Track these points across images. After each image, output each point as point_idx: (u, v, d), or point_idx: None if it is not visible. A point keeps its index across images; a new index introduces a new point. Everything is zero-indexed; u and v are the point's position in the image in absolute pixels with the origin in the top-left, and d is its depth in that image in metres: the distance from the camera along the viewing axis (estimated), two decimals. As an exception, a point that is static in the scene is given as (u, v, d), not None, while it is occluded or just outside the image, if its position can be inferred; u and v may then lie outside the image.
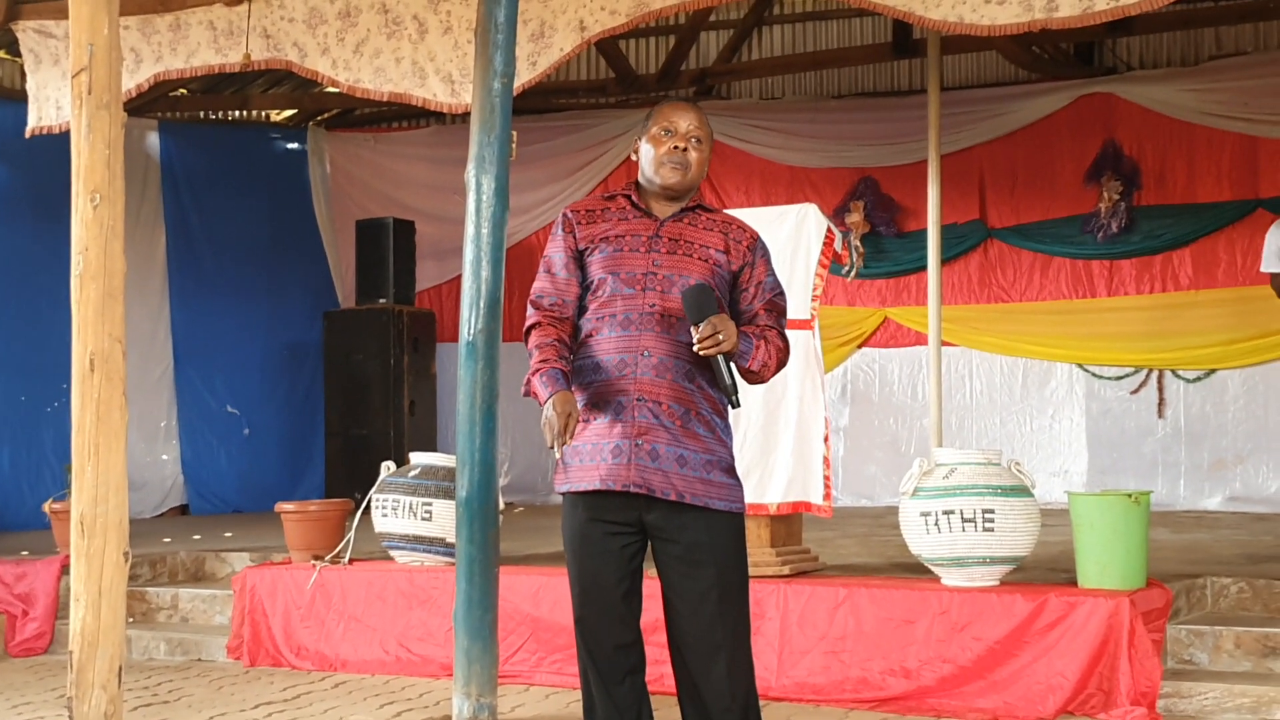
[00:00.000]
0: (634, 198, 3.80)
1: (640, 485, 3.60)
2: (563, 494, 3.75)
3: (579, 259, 3.76)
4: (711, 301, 3.58)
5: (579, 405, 3.66)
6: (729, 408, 3.70)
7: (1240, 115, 9.83)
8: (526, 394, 3.71)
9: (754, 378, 3.73)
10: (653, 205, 3.78)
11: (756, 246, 3.81)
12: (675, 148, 3.71)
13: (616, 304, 3.67)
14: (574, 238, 3.76)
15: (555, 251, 3.79)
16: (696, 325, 3.55)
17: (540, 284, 3.79)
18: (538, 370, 3.68)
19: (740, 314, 3.78)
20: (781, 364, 3.80)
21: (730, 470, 3.73)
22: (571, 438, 3.60)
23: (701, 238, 3.75)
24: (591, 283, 3.72)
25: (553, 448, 3.60)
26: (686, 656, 3.68)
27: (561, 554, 3.87)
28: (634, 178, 3.87)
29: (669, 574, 3.69)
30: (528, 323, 3.77)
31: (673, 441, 3.62)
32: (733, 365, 3.63)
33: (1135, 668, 5.05)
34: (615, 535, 3.67)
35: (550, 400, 3.59)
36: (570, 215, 3.80)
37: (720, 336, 3.53)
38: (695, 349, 3.55)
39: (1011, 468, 5.59)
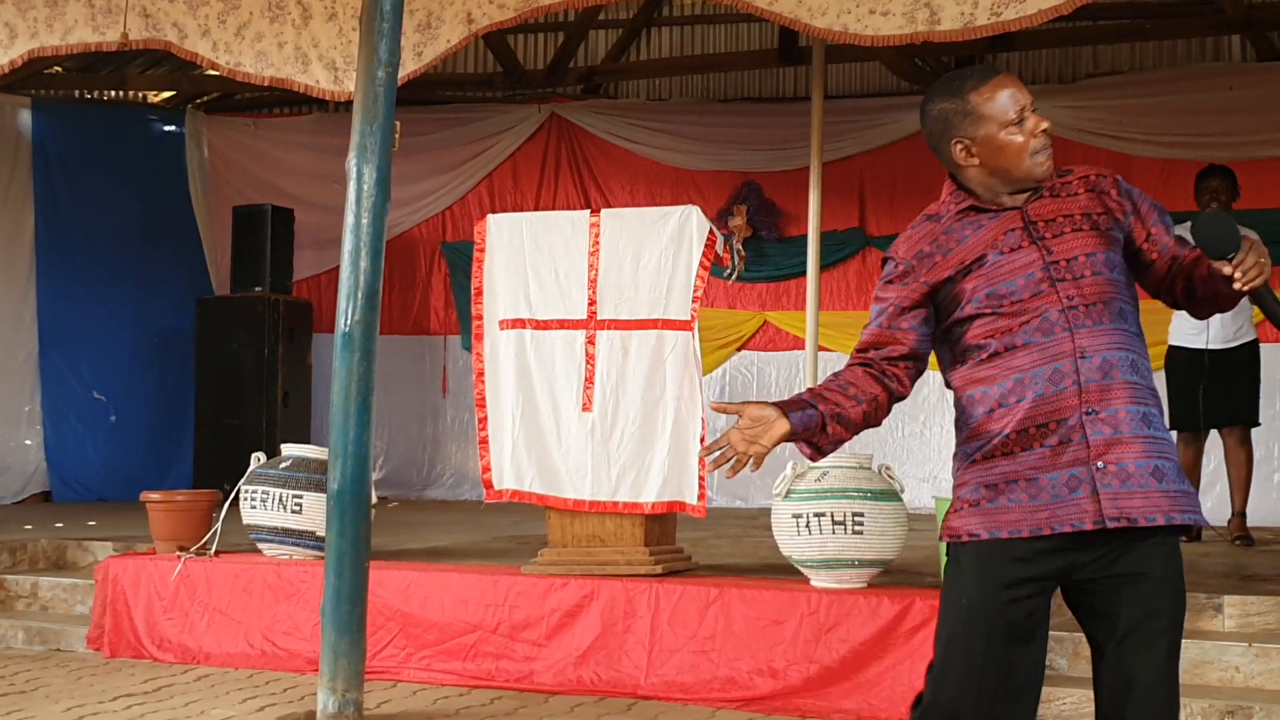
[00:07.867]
0: (974, 203, 3.18)
1: (1117, 518, 2.91)
2: (958, 541, 3.07)
3: (927, 302, 3.14)
4: (1231, 227, 2.89)
5: (1009, 429, 2.99)
6: None
7: (1114, 133, 10.05)
8: None
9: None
10: (1002, 199, 3.15)
11: (1119, 183, 3.14)
12: (1040, 130, 3.06)
13: (1020, 313, 3.00)
14: (918, 285, 3.12)
15: (887, 299, 3.18)
16: (1223, 259, 2.87)
17: (868, 334, 3.22)
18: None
19: (1158, 259, 3.12)
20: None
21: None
22: (746, 464, 3.04)
23: (1070, 206, 3.09)
24: (963, 308, 3.07)
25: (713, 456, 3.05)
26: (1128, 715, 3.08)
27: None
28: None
29: (1119, 609, 3.01)
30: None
31: (1143, 452, 2.94)
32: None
33: (997, 672, 5.12)
34: (1033, 591, 3.05)
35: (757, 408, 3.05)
36: (904, 265, 3.16)
37: (1263, 261, 2.86)
38: (1236, 287, 2.86)
39: (882, 472, 5.67)
